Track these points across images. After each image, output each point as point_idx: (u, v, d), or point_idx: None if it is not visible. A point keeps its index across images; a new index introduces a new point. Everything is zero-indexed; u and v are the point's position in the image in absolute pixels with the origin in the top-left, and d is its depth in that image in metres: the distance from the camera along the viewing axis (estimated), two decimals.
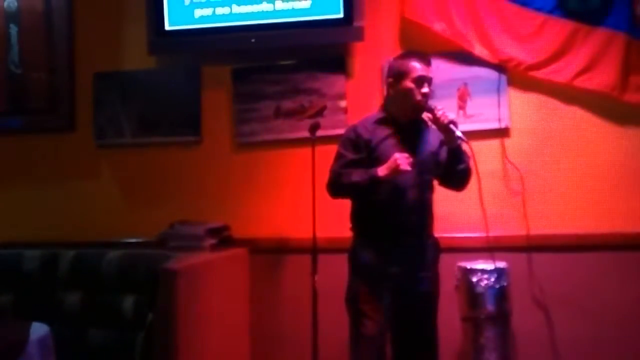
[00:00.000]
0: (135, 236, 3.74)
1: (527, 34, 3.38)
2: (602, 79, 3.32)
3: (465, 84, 3.47)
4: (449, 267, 3.10)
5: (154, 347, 2.89)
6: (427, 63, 2.76)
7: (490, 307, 3.10)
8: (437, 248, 2.86)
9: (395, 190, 2.70)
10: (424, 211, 2.79)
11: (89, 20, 3.92)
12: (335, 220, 3.01)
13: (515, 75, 3.43)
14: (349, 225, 2.87)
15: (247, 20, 3.59)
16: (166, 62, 3.84)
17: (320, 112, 3.60)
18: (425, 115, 2.80)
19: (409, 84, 2.71)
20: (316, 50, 3.61)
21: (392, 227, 2.73)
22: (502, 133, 3.45)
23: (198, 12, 3.65)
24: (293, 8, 3.55)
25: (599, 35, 3.33)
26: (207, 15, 3.64)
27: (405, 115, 2.78)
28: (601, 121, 3.40)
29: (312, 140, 3.20)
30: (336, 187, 2.78)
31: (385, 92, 2.96)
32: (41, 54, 3.93)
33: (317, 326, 3.12)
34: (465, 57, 3.45)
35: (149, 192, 3.84)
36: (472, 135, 2.93)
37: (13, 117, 3.98)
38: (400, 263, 2.72)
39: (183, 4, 3.66)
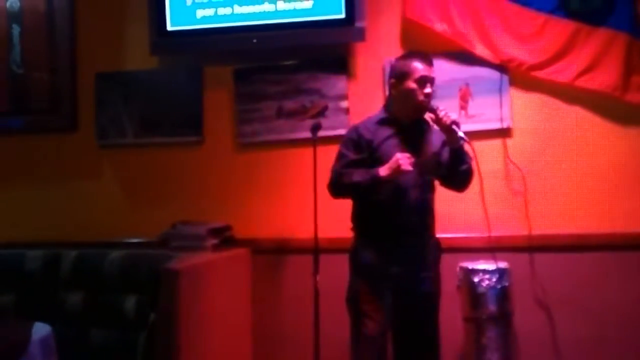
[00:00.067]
0: (137, 236, 3.74)
1: (529, 34, 3.38)
2: (604, 79, 3.31)
3: (467, 84, 3.47)
4: (450, 267, 3.10)
5: (156, 347, 2.89)
6: (430, 63, 2.75)
7: (492, 307, 3.10)
8: (438, 248, 2.86)
9: (396, 190, 2.70)
10: (425, 211, 2.79)
11: (91, 21, 3.92)
12: (337, 220, 3.01)
13: (517, 76, 3.43)
14: (350, 225, 2.87)
15: (249, 21, 3.60)
16: (168, 63, 3.84)
17: (321, 113, 3.60)
18: (428, 116, 2.80)
19: (411, 84, 2.71)
20: (318, 50, 3.61)
21: (393, 227, 2.73)
22: (503, 133, 3.45)
23: (200, 13, 3.65)
24: (295, 8, 3.55)
25: (600, 35, 3.33)
26: (209, 16, 3.64)
27: (408, 116, 2.78)
28: (603, 121, 3.40)
29: (314, 141, 3.20)
30: (337, 187, 2.78)
31: (387, 93, 2.96)
32: (43, 54, 3.94)
33: (318, 326, 3.12)
34: (466, 57, 3.45)
35: (150, 192, 3.84)
36: (473, 135, 2.94)
37: (15, 117, 3.98)
38: (401, 263, 2.72)
39: (185, 5, 3.66)
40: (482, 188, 2.84)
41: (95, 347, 3.07)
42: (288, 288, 3.63)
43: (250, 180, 3.71)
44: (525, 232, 3.39)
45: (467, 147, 2.74)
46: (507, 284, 3.12)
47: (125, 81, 3.86)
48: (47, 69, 3.93)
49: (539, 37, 3.37)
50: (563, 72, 3.35)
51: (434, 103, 2.76)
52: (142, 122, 3.83)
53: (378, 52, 3.55)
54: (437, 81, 2.82)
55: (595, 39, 3.33)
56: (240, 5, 3.60)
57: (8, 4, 3.96)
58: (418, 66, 2.71)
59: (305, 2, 3.54)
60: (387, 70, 3.08)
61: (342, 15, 3.49)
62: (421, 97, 2.70)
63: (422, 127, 2.84)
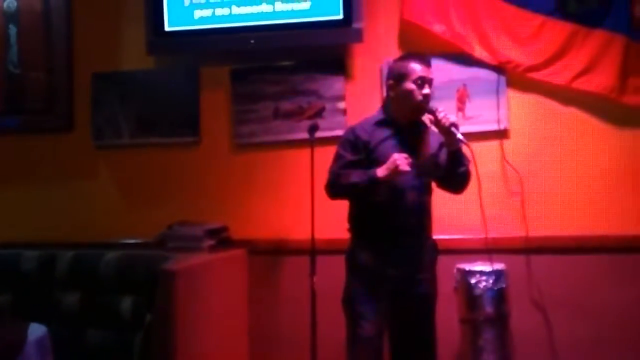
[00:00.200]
0: (134, 237, 3.73)
1: (526, 35, 3.39)
2: (600, 81, 3.32)
3: (465, 86, 3.47)
4: (447, 268, 3.10)
5: (152, 348, 2.89)
6: (428, 64, 2.75)
7: (488, 309, 3.09)
8: (435, 250, 2.86)
9: (394, 191, 2.69)
10: (422, 213, 2.79)
11: (88, 20, 3.92)
12: (334, 221, 3.01)
13: (514, 77, 3.43)
14: (347, 226, 2.86)
15: (246, 22, 3.59)
16: (165, 63, 3.83)
17: (319, 114, 3.60)
18: (427, 117, 2.79)
19: (409, 85, 2.70)
20: (315, 51, 3.61)
21: (390, 228, 2.72)
22: (501, 134, 3.45)
23: (198, 13, 3.65)
24: (292, 9, 3.55)
25: (597, 37, 3.33)
26: (207, 16, 3.64)
27: (406, 117, 2.78)
28: (600, 123, 3.40)
29: (311, 142, 3.20)
30: (335, 188, 2.77)
31: (384, 94, 2.96)
32: (40, 54, 3.93)
33: (315, 327, 3.12)
34: (464, 59, 3.45)
35: (147, 192, 3.84)
36: (471, 136, 2.93)
37: (10, 117, 3.97)
38: (398, 265, 2.72)
39: (183, 5, 3.66)
40: (479, 190, 2.84)
41: (91, 347, 3.06)
42: (285, 289, 3.62)
43: (247, 181, 3.70)
44: (522, 234, 3.40)
45: (465, 149, 2.73)
46: (504, 285, 3.11)
47: (122, 81, 3.85)
48: (43, 69, 3.93)
49: (536, 38, 3.38)
50: (560, 74, 3.36)
51: (433, 104, 2.75)
52: (138, 123, 3.83)
53: (376, 53, 3.55)
54: (435, 82, 2.82)
55: (592, 41, 3.34)
56: (238, 6, 3.60)
57: (5, 4, 3.95)
58: (416, 67, 2.71)
59: (303, 3, 3.53)
60: (385, 71, 3.08)
61: (340, 16, 3.49)
62: (420, 98, 2.70)
63: (419, 129, 2.84)
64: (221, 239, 3.53)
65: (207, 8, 3.63)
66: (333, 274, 2.89)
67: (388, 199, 2.70)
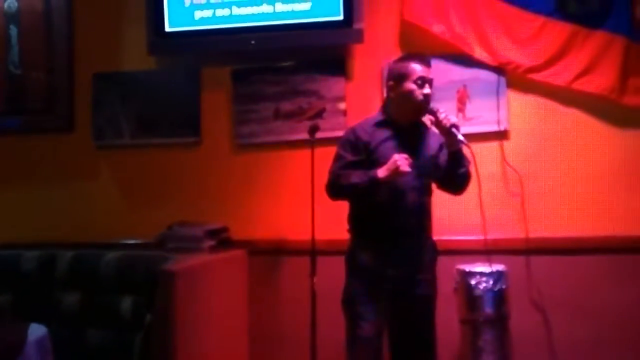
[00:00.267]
0: (134, 237, 3.73)
1: (527, 36, 3.39)
2: (601, 82, 3.32)
3: (465, 86, 3.47)
4: (447, 269, 3.10)
5: (152, 348, 2.89)
6: (428, 64, 2.75)
7: (488, 309, 3.10)
8: (435, 250, 2.86)
9: (394, 192, 2.69)
10: (422, 214, 2.79)
11: (89, 21, 3.92)
12: (334, 222, 3.01)
13: (514, 78, 3.43)
14: (347, 227, 2.86)
15: (247, 22, 3.60)
16: (166, 63, 3.84)
17: (319, 114, 3.60)
18: (427, 118, 2.79)
19: (410, 85, 2.70)
20: (316, 52, 3.61)
21: (390, 229, 2.72)
22: (501, 135, 3.45)
23: (198, 14, 3.65)
24: (293, 10, 3.55)
25: (598, 38, 3.34)
26: (207, 17, 3.64)
27: (406, 118, 2.78)
28: (600, 124, 3.40)
29: (311, 142, 3.21)
30: (335, 189, 2.77)
31: (384, 95, 2.96)
32: (40, 54, 3.93)
33: (315, 328, 3.12)
34: (464, 60, 3.45)
35: (148, 193, 3.84)
36: (471, 137, 2.93)
37: (11, 117, 3.97)
38: (398, 265, 2.72)
39: (183, 6, 3.66)
40: (479, 190, 2.84)
41: (91, 348, 3.06)
42: (285, 289, 3.62)
43: (247, 182, 3.70)
44: (522, 235, 3.40)
45: (465, 150, 2.73)
46: (504, 286, 3.12)
47: (123, 81, 3.85)
48: (44, 69, 3.93)
49: (537, 39, 3.38)
50: (560, 75, 3.36)
51: (434, 105, 2.75)
52: (139, 123, 3.83)
53: (376, 54, 3.56)
54: (435, 83, 2.81)
55: (593, 42, 3.34)
56: (239, 7, 3.60)
57: (5, 5, 3.96)
58: (416, 67, 2.71)
59: (304, 4, 3.54)
60: (385, 72, 3.08)
61: (340, 17, 3.49)
62: (420, 98, 2.70)
63: (419, 130, 2.84)
64: (221, 240, 3.53)
65: (207, 9, 3.63)
66: (333, 274, 2.89)
67: (388, 199, 2.70)
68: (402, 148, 2.71)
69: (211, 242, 3.44)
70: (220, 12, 3.63)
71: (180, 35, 3.68)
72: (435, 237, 2.87)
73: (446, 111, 2.71)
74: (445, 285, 3.03)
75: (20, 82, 3.95)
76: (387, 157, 2.65)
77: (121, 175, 3.89)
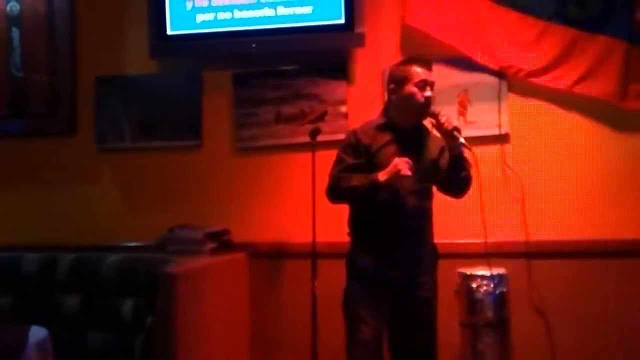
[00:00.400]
0: (135, 240, 3.74)
1: (528, 40, 3.40)
2: (601, 86, 3.33)
3: (466, 90, 3.48)
4: (448, 273, 3.09)
5: (152, 351, 2.89)
6: (429, 68, 2.75)
7: (489, 313, 3.10)
8: (435, 253, 2.85)
9: (394, 196, 2.69)
10: (423, 217, 2.78)
11: (91, 24, 3.93)
12: (335, 225, 3.01)
13: (515, 82, 3.44)
14: (347, 230, 2.86)
15: (248, 26, 3.61)
16: (167, 67, 3.85)
17: (320, 118, 3.61)
18: (429, 121, 2.79)
19: (411, 88, 2.69)
20: (317, 55, 3.62)
21: (390, 232, 2.72)
22: (502, 139, 3.46)
23: (200, 17, 3.66)
24: (294, 13, 3.56)
25: (598, 42, 3.34)
26: (209, 20, 3.65)
27: (407, 121, 2.77)
28: (601, 128, 3.41)
29: (313, 146, 3.21)
30: (336, 192, 2.77)
31: (386, 99, 2.96)
32: (43, 57, 3.94)
33: (316, 331, 3.12)
34: (465, 64, 3.46)
35: (149, 196, 3.84)
36: (472, 141, 2.92)
37: (13, 121, 3.98)
38: (398, 268, 2.71)
39: (185, 9, 3.67)
40: (480, 194, 2.84)
41: (92, 350, 3.06)
42: (286, 292, 3.62)
43: (248, 185, 3.71)
44: (522, 239, 3.40)
45: (467, 153, 2.73)
46: (504, 290, 3.12)
47: (125, 85, 3.87)
48: (46, 72, 3.94)
49: (538, 44, 3.39)
50: (561, 79, 3.37)
51: (436, 108, 2.75)
52: (141, 126, 3.84)
53: (377, 57, 3.56)
54: (436, 87, 2.81)
55: (593, 46, 3.34)
56: (240, 10, 3.62)
57: (8, 8, 3.97)
58: (418, 70, 2.71)
59: (305, 8, 3.55)
60: (386, 75, 3.08)
61: (342, 21, 3.50)
62: (422, 100, 2.69)
63: (420, 134, 2.84)
64: (222, 242, 3.53)
65: (209, 12, 3.65)
66: (334, 277, 2.89)
67: (389, 203, 2.70)
68: (403, 151, 2.71)
69: (212, 245, 3.44)
70: (221, 16, 3.64)
71: (182, 39, 3.69)
72: (436, 240, 2.87)
73: (448, 114, 2.71)
74: (446, 289, 3.02)
75: (22, 85, 3.96)
76: (388, 161, 2.65)
77: (123, 178, 3.89)
